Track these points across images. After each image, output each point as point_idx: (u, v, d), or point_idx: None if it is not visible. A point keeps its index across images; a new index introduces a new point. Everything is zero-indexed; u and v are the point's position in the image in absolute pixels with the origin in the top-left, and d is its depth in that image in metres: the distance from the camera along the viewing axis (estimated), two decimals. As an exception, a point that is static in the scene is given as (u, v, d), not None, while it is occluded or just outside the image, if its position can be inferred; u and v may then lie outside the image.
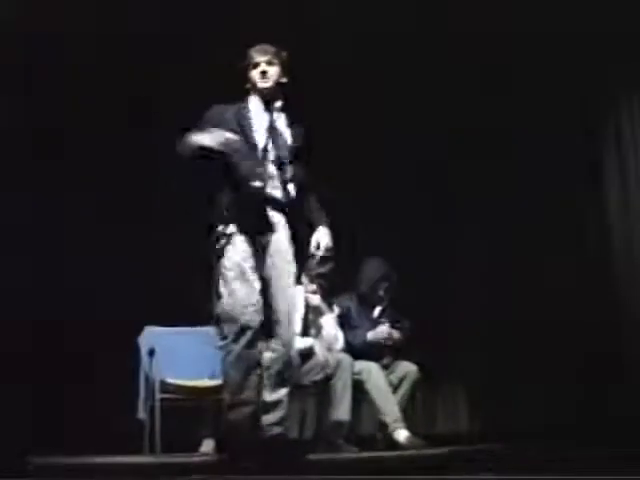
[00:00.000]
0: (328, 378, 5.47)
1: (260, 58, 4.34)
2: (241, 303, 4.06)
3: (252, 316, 4.05)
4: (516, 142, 6.69)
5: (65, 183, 6.52)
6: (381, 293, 5.87)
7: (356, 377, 5.56)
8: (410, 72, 6.75)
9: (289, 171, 4.26)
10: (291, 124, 4.38)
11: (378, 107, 6.83)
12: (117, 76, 6.52)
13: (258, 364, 4.10)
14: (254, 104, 4.36)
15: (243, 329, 4.02)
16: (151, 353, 5.39)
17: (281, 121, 4.36)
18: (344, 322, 5.82)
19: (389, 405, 5.51)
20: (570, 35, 6.32)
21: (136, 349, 5.55)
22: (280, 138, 4.30)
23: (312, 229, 4.32)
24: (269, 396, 4.13)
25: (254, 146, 4.21)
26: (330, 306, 5.86)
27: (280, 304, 4.17)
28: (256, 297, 4.09)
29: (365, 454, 5.24)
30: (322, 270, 5.48)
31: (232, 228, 4.15)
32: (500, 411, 6.43)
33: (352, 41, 6.64)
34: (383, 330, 5.74)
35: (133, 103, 6.63)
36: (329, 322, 5.79)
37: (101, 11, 6.17)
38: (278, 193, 4.24)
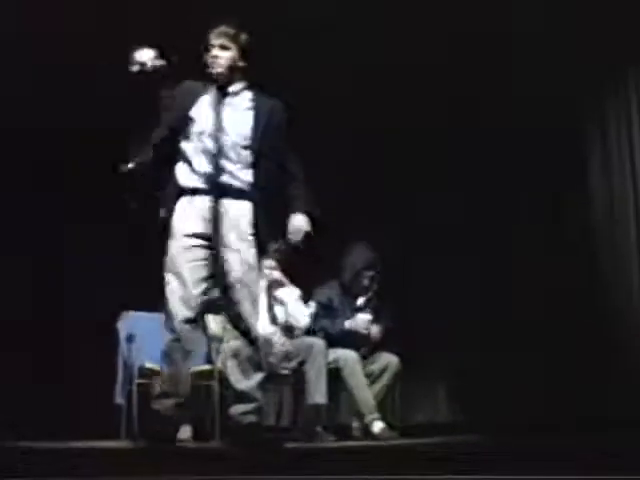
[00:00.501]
0: (301, 364, 5.44)
1: (213, 41, 4.18)
2: (175, 297, 4.03)
3: (183, 311, 4.01)
4: (505, 140, 6.70)
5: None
6: (365, 282, 5.77)
7: (332, 365, 5.51)
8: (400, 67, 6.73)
9: (246, 156, 4.13)
10: (258, 105, 4.21)
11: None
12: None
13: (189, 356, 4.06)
14: (209, 88, 4.20)
15: (176, 323, 4.01)
16: (130, 338, 5.37)
17: (237, 105, 4.20)
18: (327, 313, 5.74)
19: (365, 395, 5.48)
20: (556, 34, 6.30)
21: (114, 334, 5.54)
22: (233, 123, 4.14)
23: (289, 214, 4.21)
24: (240, 384, 4.10)
25: (200, 133, 4.09)
26: (304, 291, 5.82)
27: (240, 293, 4.09)
28: (191, 292, 4.03)
29: (346, 443, 5.23)
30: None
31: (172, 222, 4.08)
32: (482, 402, 6.46)
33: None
34: (363, 319, 5.68)
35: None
36: (292, 296, 5.75)
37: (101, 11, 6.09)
38: (231, 180, 4.11)
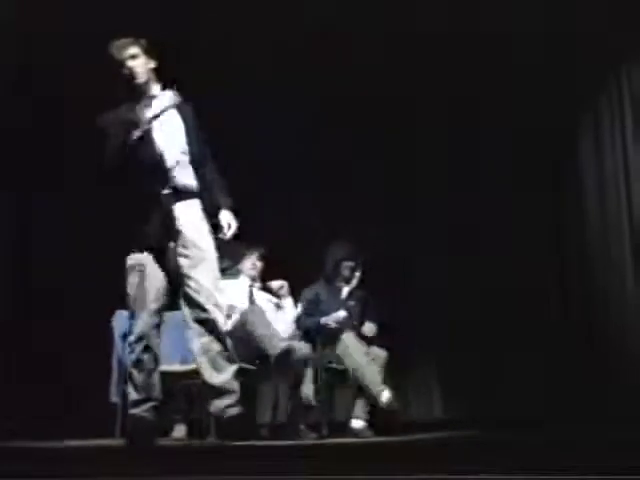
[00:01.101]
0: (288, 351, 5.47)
1: (121, 56, 4.30)
2: (139, 306, 4.20)
3: (146, 320, 4.19)
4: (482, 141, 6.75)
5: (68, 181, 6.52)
6: (346, 273, 5.95)
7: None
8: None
9: (183, 157, 4.29)
10: (179, 104, 4.37)
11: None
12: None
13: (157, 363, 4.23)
14: (134, 97, 4.32)
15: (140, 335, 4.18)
16: (124, 337, 5.38)
17: (165, 104, 4.33)
18: (315, 308, 5.86)
19: (372, 368, 5.58)
20: (535, 35, 6.33)
21: (109, 332, 5.56)
22: (166, 124, 4.30)
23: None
24: (216, 379, 4.21)
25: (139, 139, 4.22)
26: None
27: (199, 292, 4.26)
28: (151, 299, 4.20)
29: (334, 440, 5.29)
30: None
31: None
32: (474, 398, 6.49)
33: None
34: (338, 316, 5.76)
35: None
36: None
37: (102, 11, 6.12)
38: (182, 179, 4.29)
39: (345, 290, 6.01)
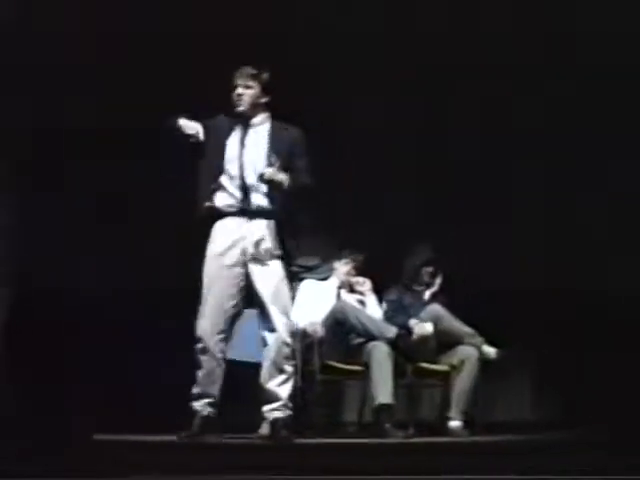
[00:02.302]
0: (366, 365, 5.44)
1: (238, 81, 4.65)
2: (208, 310, 4.60)
3: (204, 326, 4.59)
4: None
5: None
6: (426, 278, 5.94)
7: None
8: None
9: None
10: (276, 133, 4.67)
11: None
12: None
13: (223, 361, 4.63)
14: (231, 120, 4.69)
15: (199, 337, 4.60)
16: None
17: (260, 134, 4.66)
18: (397, 310, 5.84)
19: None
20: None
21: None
22: (254, 151, 4.61)
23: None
24: (268, 384, 4.62)
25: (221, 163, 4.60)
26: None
27: (271, 307, 4.58)
28: (223, 306, 4.59)
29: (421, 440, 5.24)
30: None
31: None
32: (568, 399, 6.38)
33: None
34: (426, 329, 5.63)
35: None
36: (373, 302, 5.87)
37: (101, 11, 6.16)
38: (260, 201, 4.60)
39: (427, 294, 5.99)
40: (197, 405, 4.62)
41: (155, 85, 6.24)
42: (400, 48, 6.52)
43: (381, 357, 5.37)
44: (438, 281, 5.97)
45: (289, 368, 4.63)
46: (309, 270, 6.14)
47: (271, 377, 4.60)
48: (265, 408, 4.64)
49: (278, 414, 4.60)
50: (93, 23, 6.12)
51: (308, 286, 5.85)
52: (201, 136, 4.58)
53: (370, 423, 5.57)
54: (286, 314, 4.63)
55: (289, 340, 4.61)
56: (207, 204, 4.62)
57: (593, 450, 3.71)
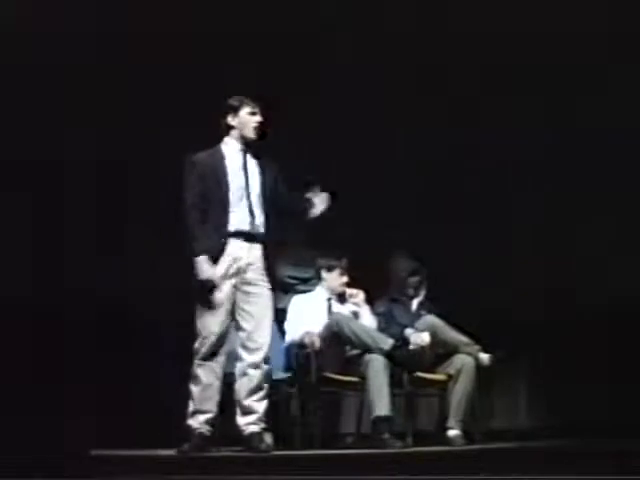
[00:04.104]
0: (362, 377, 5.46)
1: (255, 108, 4.84)
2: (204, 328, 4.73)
3: (209, 340, 4.70)
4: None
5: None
6: (412, 289, 6.00)
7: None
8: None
9: (266, 205, 4.81)
10: (260, 159, 4.88)
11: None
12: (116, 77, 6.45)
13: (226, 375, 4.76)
14: (231, 143, 4.85)
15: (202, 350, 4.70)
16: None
17: (253, 159, 4.86)
18: (389, 322, 5.85)
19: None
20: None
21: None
22: (256, 176, 4.82)
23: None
24: (246, 401, 4.73)
25: (226, 190, 4.73)
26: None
27: (250, 323, 4.74)
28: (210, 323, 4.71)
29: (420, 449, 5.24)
30: None
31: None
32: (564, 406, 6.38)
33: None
34: (423, 339, 5.63)
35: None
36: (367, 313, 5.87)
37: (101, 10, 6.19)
38: (260, 227, 4.80)
39: (415, 302, 6.05)
40: (194, 423, 4.71)
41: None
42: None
43: (377, 369, 5.36)
44: (423, 292, 6.03)
45: (266, 385, 4.77)
46: (303, 282, 6.16)
47: (249, 393, 4.71)
48: (242, 422, 4.73)
49: (255, 428, 4.71)
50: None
51: (298, 301, 5.86)
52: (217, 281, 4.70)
53: (368, 434, 5.57)
54: (268, 335, 4.78)
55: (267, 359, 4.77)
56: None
57: (591, 458, 3.71)
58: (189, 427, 4.70)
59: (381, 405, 5.28)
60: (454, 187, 6.78)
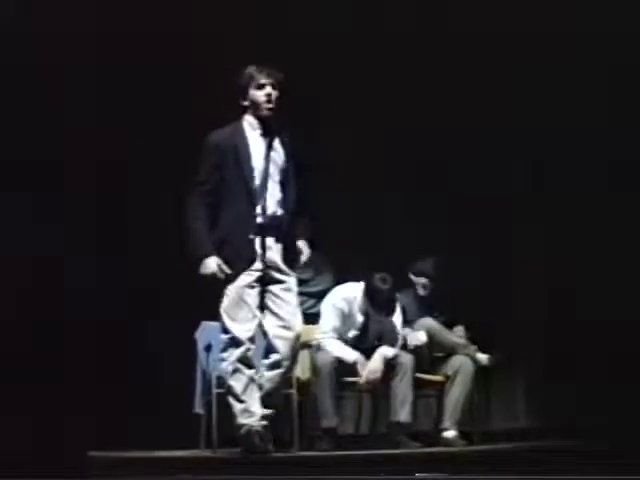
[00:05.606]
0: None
1: (265, 80, 4.51)
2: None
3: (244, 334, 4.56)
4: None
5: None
6: (421, 290, 5.89)
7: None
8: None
9: (290, 190, 4.57)
10: (285, 140, 4.60)
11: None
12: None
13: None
14: (250, 124, 4.58)
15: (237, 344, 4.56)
16: (208, 348, 5.43)
17: (277, 140, 4.58)
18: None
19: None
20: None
21: (193, 344, 5.61)
22: (278, 157, 4.56)
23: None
24: (249, 399, 4.58)
25: (250, 172, 4.48)
26: None
27: (279, 326, 4.62)
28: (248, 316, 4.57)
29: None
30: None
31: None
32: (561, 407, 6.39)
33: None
34: (419, 339, 5.68)
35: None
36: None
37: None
38: (279, 212, 4.58)
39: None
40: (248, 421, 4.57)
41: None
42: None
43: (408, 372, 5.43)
44: (430, 292, 5.90)
45: (268, 384, 4.66)
46: (303, 283, 6.15)
47: (253, 392, 4.61)
48: (243, 421, 4.60)
49: (258, 427, 4.57)
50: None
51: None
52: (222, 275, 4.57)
53: (382, 434, 5.60)
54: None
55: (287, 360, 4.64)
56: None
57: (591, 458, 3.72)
58: (243, 426, 4.57)
59: (406, 411, 5.33)
60: (454, 187, 6.77)
